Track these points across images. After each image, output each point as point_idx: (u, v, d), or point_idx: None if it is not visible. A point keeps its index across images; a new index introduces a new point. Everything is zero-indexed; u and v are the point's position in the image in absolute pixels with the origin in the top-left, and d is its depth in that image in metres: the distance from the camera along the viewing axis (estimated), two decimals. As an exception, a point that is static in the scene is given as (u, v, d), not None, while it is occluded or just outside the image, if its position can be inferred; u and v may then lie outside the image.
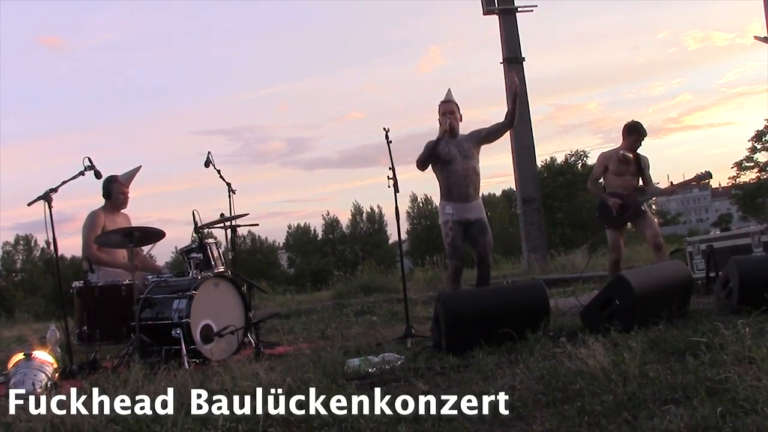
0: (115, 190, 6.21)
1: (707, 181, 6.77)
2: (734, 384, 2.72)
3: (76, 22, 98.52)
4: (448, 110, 5.94)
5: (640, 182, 6.82)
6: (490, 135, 6.05)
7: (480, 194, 6.03)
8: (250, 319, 5.79)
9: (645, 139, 6.81)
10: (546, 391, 3.05)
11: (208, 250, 5.97)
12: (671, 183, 6.89)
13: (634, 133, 6.72)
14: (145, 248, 6.39)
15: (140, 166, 6.46)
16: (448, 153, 5.82)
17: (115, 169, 6.31)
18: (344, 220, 57.11)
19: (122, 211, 6.36)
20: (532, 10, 16.85)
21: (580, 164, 42.36)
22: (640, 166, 6.75)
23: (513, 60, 16.40)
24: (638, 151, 6.83)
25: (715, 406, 2.49)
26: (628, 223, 6.85)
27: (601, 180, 6.98)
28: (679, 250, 8.12)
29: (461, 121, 6.01)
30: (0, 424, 3.16)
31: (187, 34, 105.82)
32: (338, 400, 3.01)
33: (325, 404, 2.99)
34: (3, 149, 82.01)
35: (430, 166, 5.92)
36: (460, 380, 3.57)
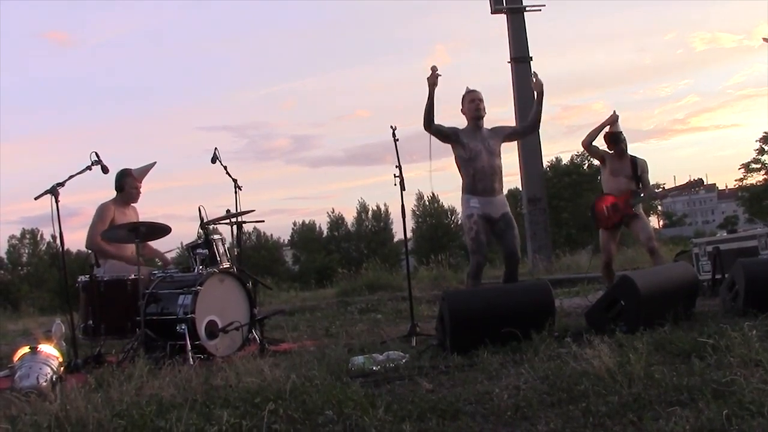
0: (128, 184, 6.23)
1: (698, 189, 6.84)
2: (740, 386, 2.71)
3: (82, 17, 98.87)
4: (478, 98, 5.88)
5: (638, 186, 6.86)
6: (513, 135, 6.10)
7: (503, 190, 5.94)
8: (254, 315, 5.80)
9: (624, 140, 6.86)
10: (551, 392, 3.04)
11: (214, 246, 5.98)
12: (662, 188, 6.93)
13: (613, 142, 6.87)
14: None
15: (155, 162, 6.49)
16: (473, 149, 5.74)
17: (121, 165, 6.34)
18: (349, 217, 57.22)
19: (132, 204, 6.37)
20: (540, 10, 16.83)
21: (586, 165, 42.32)
22: (636, 170, 6.79)
23: (520, 59, 16.37)
24: (635, 154, 6.92)
25: (720, 409, 2.48)
26: (622, 226, 6.89)
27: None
28: (685, 252, 8.10)
29: (485, 114, 5.91)
30: (5, 417, 3.17)
31: (193, 31, 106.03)
32: (342, 398, 3.02)
33: (330, 402, 3.00)
34: (10, 143, 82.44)
35: (451, 148, 5.84)
36: (465, 379, 3.57)
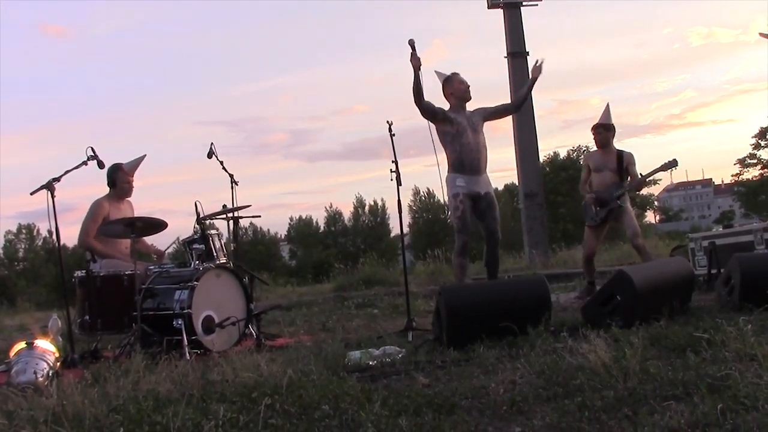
0: (120, 179, 6.21)
1: (674, 168, 6.91)
2: (735, 381, 2.72)
3: (79, 11, 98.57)
4: (465, 81, 6.05)
5: (623, 179, 6.98)
6: (496, 113, 6.20)
7: (487, 170, 6.07)
8: (251, 310, 5.80)
9: (612, 130, 7.02)
10: (546, 386, 3.05)
11: (210, 241, 5.97)
12: (640, 174, 6.98)
13: (593, 129, 7.05)
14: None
15: (145, 155, 6.46)
16: (459, 124, 5.87)
17: (118, 160, 6.31)
18: (346, 212, 57.16)
19: (127, 199, 6.36)
20: (537, 4, 16.78)
21: (583, 160, 42.31)
22: (621, 164, 6.86)
23: (517, 54, 16.33)
24: (621, 148, 7.07)
25: (715, 403, 2.49)
26: (608, 222, 7.00)
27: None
28: (681, 247, 8.12)
29: (470, 99, 6.06)
30: (2, 412, 3.17)
31: (191, 24, 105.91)
32: (339, 393, 3.02)
33: (326, 396, 3.00)
34: (6, 137, 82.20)
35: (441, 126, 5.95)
36: (461, 374, 3.58)
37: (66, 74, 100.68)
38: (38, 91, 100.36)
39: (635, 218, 7.05)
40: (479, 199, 5.90)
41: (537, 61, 6.21)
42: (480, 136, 5.97)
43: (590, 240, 7.05)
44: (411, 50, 5.67)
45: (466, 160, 5.85)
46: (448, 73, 6.12)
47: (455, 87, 6.01)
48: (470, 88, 6.05)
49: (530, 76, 6.27)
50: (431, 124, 5.99)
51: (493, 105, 6.22)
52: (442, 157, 6.01)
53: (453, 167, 5.93)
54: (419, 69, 5.70)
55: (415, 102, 5.80)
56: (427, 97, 5.87)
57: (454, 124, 5.85)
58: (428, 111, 5.87)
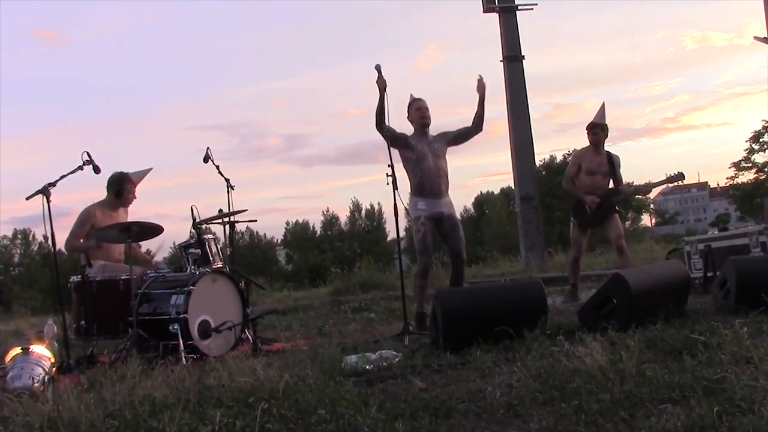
0: (127, 190, 6.23)
1: (681, 182, 6.95)
2: (731, 384, 2.72)
3: (72, 15, 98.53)
4: (424, 106, 6.07)
5: (611, 183, 7.06)
6: (458, 137, 6.18)
7: (449, 192, 6.08)
8: (247, 315, 5.79)
9: (606, 132, 7.08)
10: (543, 390, 3.05)
11: (207, 246, 5.97)
12: (648, 182, 7.12)
13: (589, 129, 7.05)
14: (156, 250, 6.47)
15: (151, 168, 6.52)
16: (420, 151, 5.90)
17: (113, 165, 6.33)
18: (343, 216, 57.20)
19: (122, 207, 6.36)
20: (532, 8, 16.82)
21: (573, 156, 42.33)
22: (613, 166, 6.89)
23: (513, 58, 16.36)
24: (611, 150, 7.11)
25: (711, 406, 2.49)
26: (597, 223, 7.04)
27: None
28: (677, 250, 8.14)
29: (430, 122, 6.08)
30: (-3, 418, 3.16)
31: (184, 29, 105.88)
32: (335, 397, 3.02)
33: (323, 401, 3.00)
34: (1, 142, 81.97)
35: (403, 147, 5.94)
36: (457, 378, 3.58)
37: (58, 79, 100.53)
38: (30, 97, 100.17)
39: (620, 221, 7.10)
40: (442, 220, 5.92)
41: (479, 78, 6.07)
42: (441, 162, 5.97)
43: (580, 240, 7.10)
44: (377, 74, 5.71)
45: (426, 185, 5.89)
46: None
47: (413, 114, 6.05)
48: (428, 113, 6.03)
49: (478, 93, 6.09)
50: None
51: (456, 129, 6.20)
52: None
53: (414, 191, 5.97)
54: (384, 90, 5.73)
55: (377, 126, 5.82)
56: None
57: (415, 150, 5.88)
58: (389, 137, 5.84)
